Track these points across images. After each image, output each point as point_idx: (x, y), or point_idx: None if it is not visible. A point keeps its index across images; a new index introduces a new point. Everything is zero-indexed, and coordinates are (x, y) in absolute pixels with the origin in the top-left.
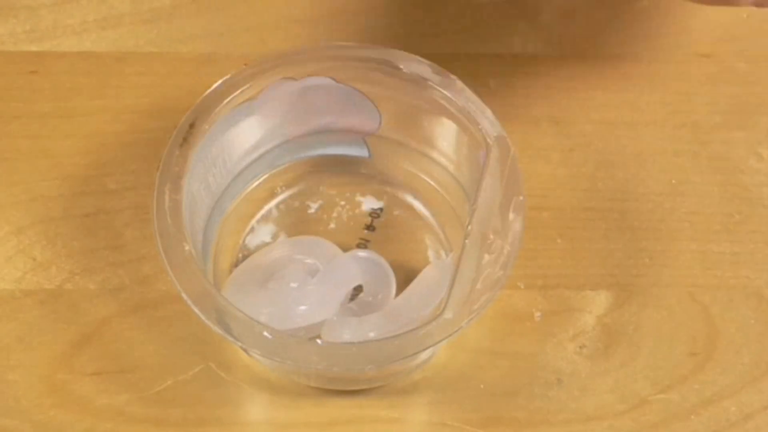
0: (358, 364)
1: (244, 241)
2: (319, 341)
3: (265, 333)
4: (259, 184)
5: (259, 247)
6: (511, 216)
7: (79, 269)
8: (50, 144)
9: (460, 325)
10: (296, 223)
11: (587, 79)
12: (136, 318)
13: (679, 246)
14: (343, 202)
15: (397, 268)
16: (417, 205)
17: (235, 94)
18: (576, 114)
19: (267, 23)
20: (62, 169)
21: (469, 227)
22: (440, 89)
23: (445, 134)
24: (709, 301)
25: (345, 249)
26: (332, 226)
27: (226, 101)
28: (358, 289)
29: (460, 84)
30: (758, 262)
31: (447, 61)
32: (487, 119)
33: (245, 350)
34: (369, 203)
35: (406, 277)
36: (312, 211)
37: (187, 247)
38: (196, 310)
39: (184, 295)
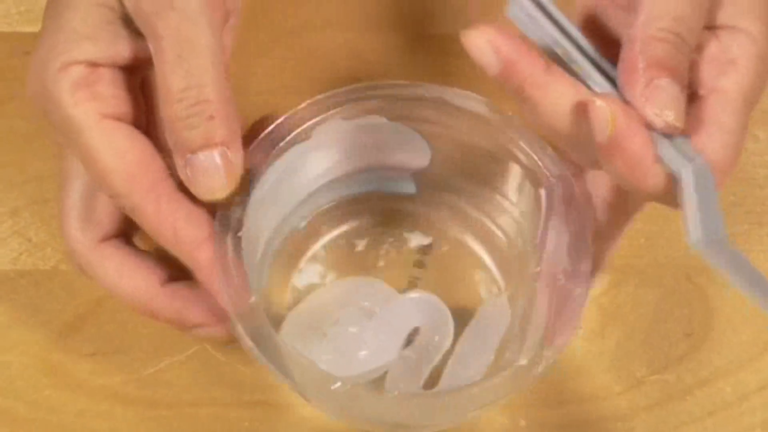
0: (435, 417)
1: (293, 282)
2: (394, 392)
3: (338, 385)
4: (306, 224)
5: (308, 289)
6: (579, 256)
7: None
8: (45, 125)
9: (536, 372)
10: (344, 262)
11: None
12: None
13: (675, 227)
14: (390, 239)
15: (449, 305)
16: (467, 240)
17: (289, 137)
18: None
19: (266, 20)
20: (57, 149)
21: (538, 269)
22: (497, 127)
23: (500, 171)
24: (705, 281)
25: (395, 287)
26: (381, 263)
27: (280, 145)
28: (414, 331)
29: (518, 120)
30: (753, 242)
31: (450, 56)
32: (548, 157)
33: (305, 397)
34: (417, 239)
35: (460, 314)
36: (359, 249)
37: (252, 299)
38: (271, 367)
39: (255, 352)
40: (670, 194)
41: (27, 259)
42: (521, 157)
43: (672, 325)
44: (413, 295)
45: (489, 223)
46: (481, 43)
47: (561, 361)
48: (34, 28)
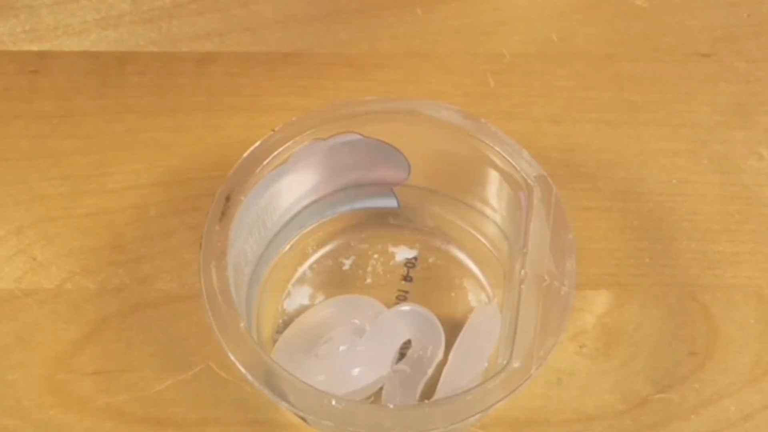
0: (433, 424)
1: (282, 306)
2: (390, 405)
3: (334, 402)
4: (291, 247)
5: (298, 311)
6: (563, 255)
7: (79, 269)
8: (50, 143)
9: (529, 373)
10: (332, 281)
11: (587, 78)
12: (136, 317)
13: (680, 245)
14: (376, 255)
15: (440, 316)
16: (452, 250)
17: (267, 161)
18: (576, 113)
19: (267, 22)
20: (62, 168)
21: (523, 272)
22: (471, 134)
23: (479, 178)
24: (709, 300)
25: (384, 302)
26: (369, 280)
27: (258, 169)
28: (406, 344)
29: (492, 127)
30: (758, 261)
31: (447, 59)
32: (524, 160)
33: (303, 419)
34: (403, 253)
35: (451, 324)
36: (346, 267)
37: (242, 324)
38: (266, 391)
39: (249, 377)
40: None
41: (32, 278)
42: (497, 161)
43: (676, 345)
44: (402, 308)
45: (473, 231)
46: None
47: (565, 379)
48: (40, 46)
